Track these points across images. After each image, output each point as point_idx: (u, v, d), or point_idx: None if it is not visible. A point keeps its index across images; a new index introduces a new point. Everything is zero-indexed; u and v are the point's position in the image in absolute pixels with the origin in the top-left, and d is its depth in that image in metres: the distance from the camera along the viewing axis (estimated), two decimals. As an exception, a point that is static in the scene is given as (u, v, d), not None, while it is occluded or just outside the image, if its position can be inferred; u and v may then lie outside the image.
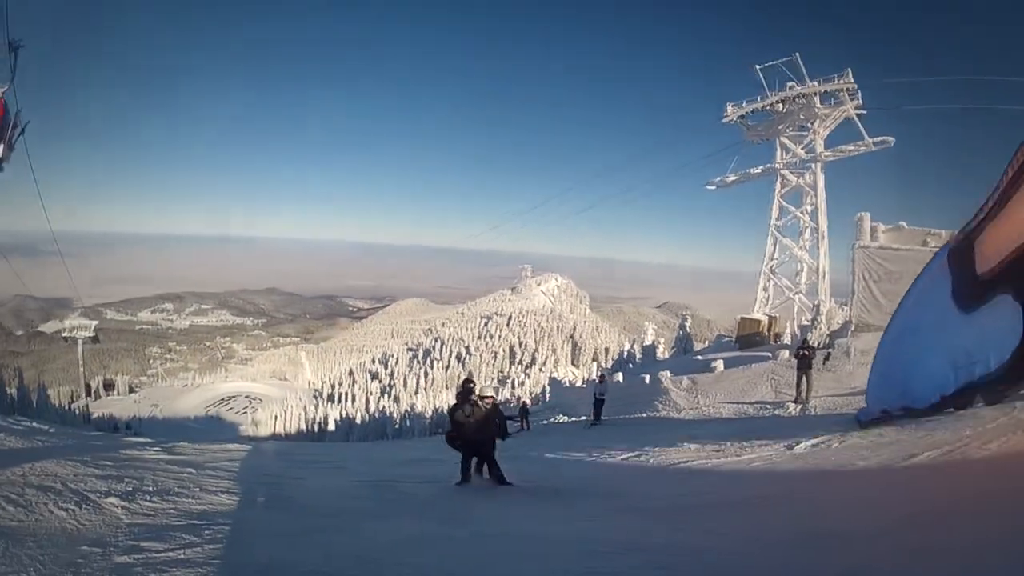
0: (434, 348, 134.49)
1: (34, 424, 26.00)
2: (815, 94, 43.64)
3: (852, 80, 42.79)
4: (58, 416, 63.01)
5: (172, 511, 9.33)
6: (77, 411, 70.11)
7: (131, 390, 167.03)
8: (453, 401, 12.65)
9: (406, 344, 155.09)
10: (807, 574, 6.21)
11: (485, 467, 12.68)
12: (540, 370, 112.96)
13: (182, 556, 7.25)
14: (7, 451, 13.53)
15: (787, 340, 39.91)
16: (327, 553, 7.97)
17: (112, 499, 9.44)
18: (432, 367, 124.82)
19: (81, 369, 51.48)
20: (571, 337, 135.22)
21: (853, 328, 26.89)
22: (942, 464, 10.39)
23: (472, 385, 12.63)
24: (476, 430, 12.26)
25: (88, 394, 64.90)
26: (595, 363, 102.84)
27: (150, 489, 10.51)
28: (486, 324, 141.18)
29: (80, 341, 50.07)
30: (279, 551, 7.94)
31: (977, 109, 47.16)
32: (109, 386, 65.46)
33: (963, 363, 11.82)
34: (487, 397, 12.65)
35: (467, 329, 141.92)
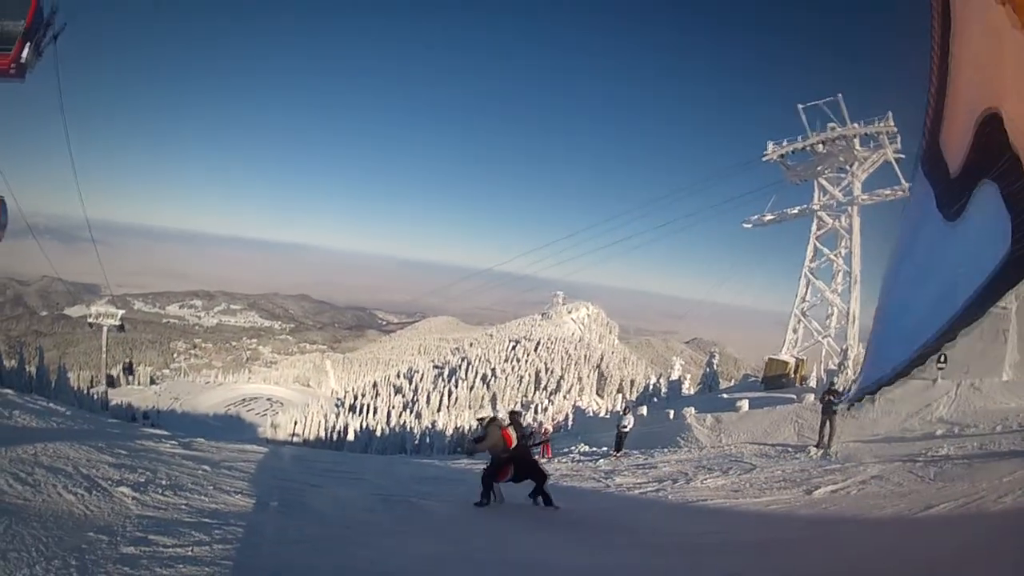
0: (460, 367, 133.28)
1: (51, 405, 26.03)
2: (855, 136, 43.36)
3: (893, 124, 42.53)
4: (76, 399, 62.11)
5: (184, 506, 9.45)
6: (96, 396, 69.84)
7: (152, 381, 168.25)
8: (482, 430, 12.76)
9: (433, 361, 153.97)
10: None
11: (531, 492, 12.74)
12: (564, 397, 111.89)
13: (190, 553, 7.38)
14: (21, 429, 13.58)
15: (813, 383, 39.63)
16: (340, 564, 8.05)
17: (124, 488, 9.59)
18: (457, 386, 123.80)
19: (104, 356, 51.36)
20: (598, 367, 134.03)
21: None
22: (957, 516, 10.29)
23: (518, 416, 13.66)
24: (526, 451, 12.58)
25: (110, 384, 64.45)
26: (620, 394, 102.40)
27: (163, 482, 10.63)
28: (514, 347, 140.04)
29: (105, 328, 49.82)
30: (290, 557, 8.07)
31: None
32: (129, 370, 64.54)
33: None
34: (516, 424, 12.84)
35: (495, 351, 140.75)
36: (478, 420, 12.84)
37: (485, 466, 13.00)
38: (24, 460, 10.11)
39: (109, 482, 9.93)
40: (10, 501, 8.17)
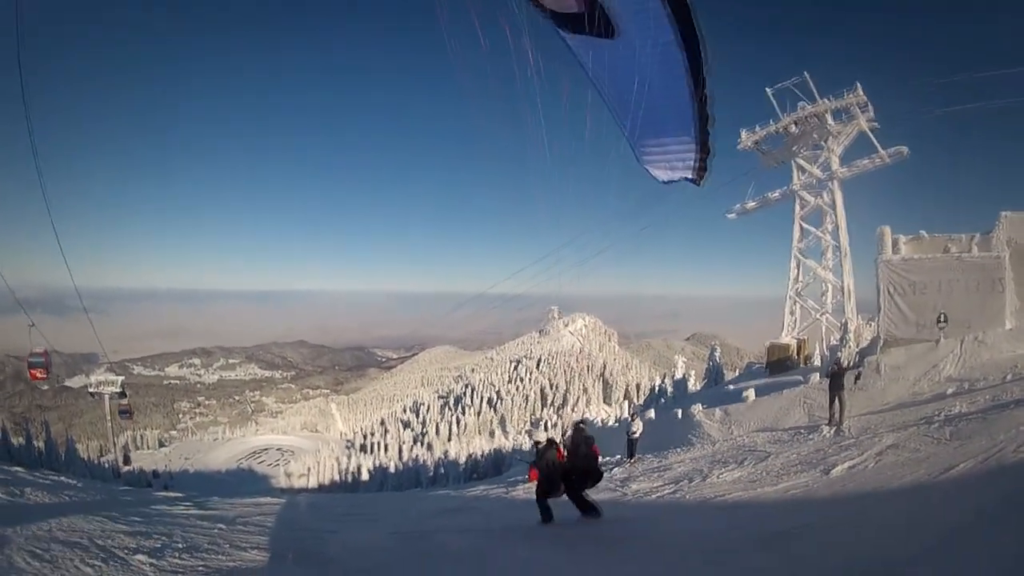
0: (465, 394, 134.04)
1: (62, 478, 25.95)
2: (827, 112, 43.56)
3: (862, 94, 42.70)
4: (87, 470, 62.26)
5: (201, 568, 9.36)
6: (106, 465, 69.99)
7: (161, 444, 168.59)
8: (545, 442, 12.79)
9: (437, 392, 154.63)
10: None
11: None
12: (572, 411, 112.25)
13: None
14: (34, 505, 13.55)
15: (817, 362, 39.62)
16: None
17: (140, 556, 9.52)
18: (464, 413, 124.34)
19: (109, 424, 51.17)
20: (601, 376, 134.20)
21: (882, 344, 26.64)
22: (978, 473, 10.20)
23: (582, 426, 13.32)
24: (584, 458, 12.54)
25: (126, 462, 64.13)
26: (627, 401, 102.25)
27: (179, 545, 10.53)
28: (516, 368, 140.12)
29: (107, 396, 49.60)
30: None
31: (989, 107, 46.54)
32: (128, 460, 63.77)
33: None
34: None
35: (497, 374, 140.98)
36: (535, 443, 12.70)
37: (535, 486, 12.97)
38: (39, 537, 9.98)
39: (125, 551, 9.87)
40: None
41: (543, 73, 9.00)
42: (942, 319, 24.66)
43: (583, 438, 12.71)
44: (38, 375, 40.19)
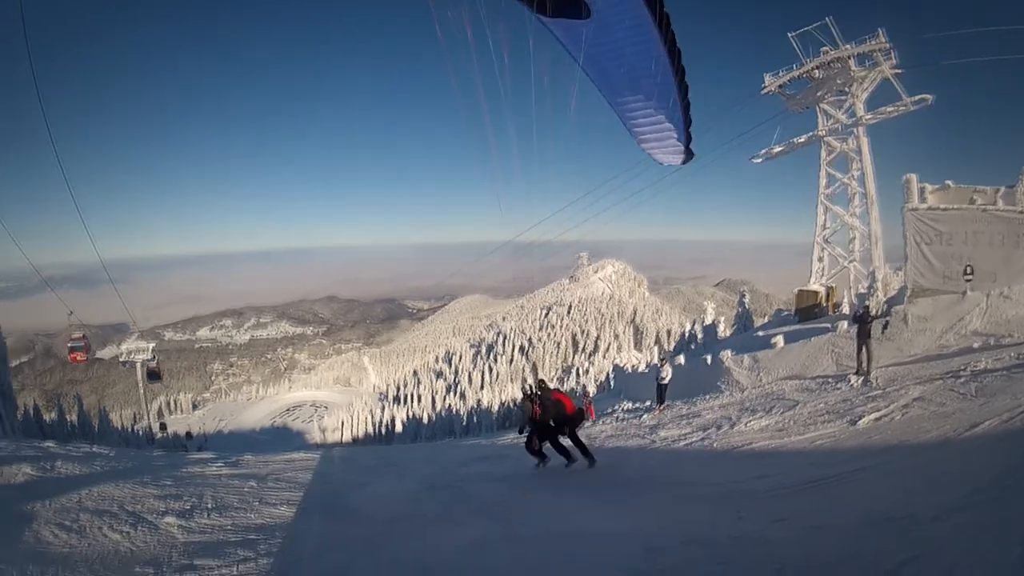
0: (497, 343, 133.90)
1: (94, 449, 26.01)
2: (850, 57, 42.77)
3: (885, 40, 42.04)
4: (121, 439, 63.48)
5: (230, 526, 9.59)
6: (140, 432, 70.50)
7: (194, 407, 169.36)
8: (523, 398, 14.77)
9: (469, 341, 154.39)
10: (868, 563, 6.14)
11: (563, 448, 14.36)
12: (604, 357, 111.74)
13: (235, 572, 7.68)
14: (64, 478, 13.39)
15: (845, 310, 39.48)
16: (386, 559, 8.31)
17: (169, 518, 9.76)
18: (496, 362, 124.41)
19: (142, 392, 51.35)
20: (632, 322, 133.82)
21: (909, 293, 26.43)
22: (1001, 433, 10.20)
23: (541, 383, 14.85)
24: (556, 412, 14.02)
25: (161, 429, 64.29)
26: (657, 346, 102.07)
27: (209, 505, 10.78)
28: (547, 315, 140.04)
29: (139, 364, 49.67)
30: (336, 562, 8.24)
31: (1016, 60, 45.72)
32: (163, 427, 63.83)
33: None
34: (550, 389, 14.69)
35: (528, 321, 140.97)
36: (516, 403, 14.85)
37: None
38: (68, 508, 10.17)
39: (154, 514, 10.04)
40: (56, 551, 8.27)
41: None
42: (968, 271, 24.46)
43: (547, 390, 14.43)
44: (79, 358, 42.12)
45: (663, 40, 8.35)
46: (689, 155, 10.32)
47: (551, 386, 15.11)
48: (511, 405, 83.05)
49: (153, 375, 50.54)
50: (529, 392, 14.47)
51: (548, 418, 14.07)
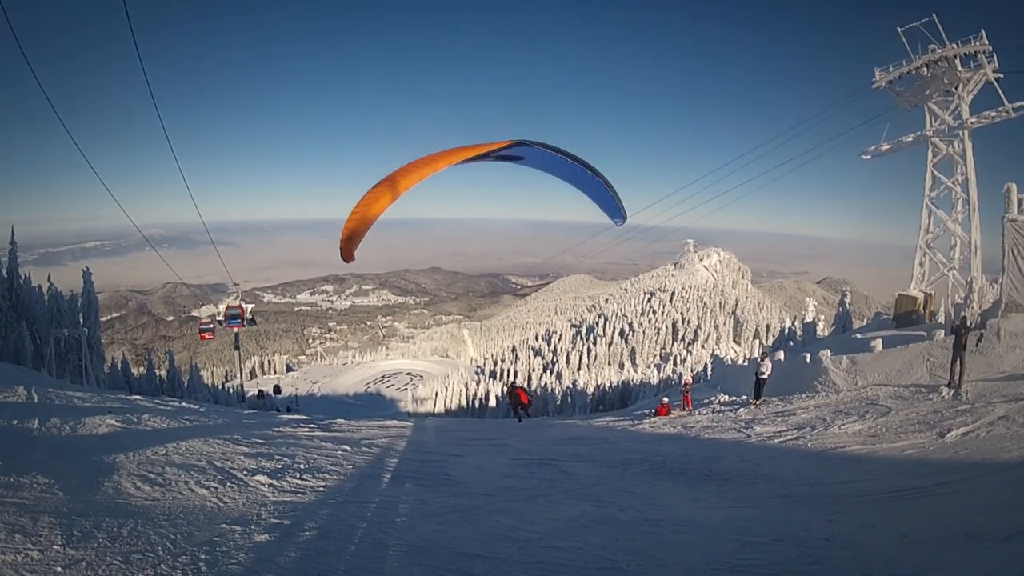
0: (598, 325, 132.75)
1: (184, 404, 26.45)
2: (955, 56, 41.74)
3: (987, 42, 41.00)
4: (211, 396, 64.36)
5: (322, 489, 10.08)
6: (231, 390, 71.69)
7: (289, 368, 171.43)
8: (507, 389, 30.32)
9: (570, 320, 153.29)
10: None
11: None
12: (702, 347, 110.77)
13: (327, 535, 7.87)
14: (151, 432, 13.65)
15: (941, 319, 38.85)
16: (481, 533, 8.46)
17: (260, 477, 10.24)
18: (595, 344, 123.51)
19: (237, 352, 51.92)
20: (733, 313, 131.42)
21: (1003, 308, 25.69)
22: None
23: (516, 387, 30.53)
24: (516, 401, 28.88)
25: (275, 391, 64.72)
26: (756, 340, 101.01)
27: (301, 467, 11.30)
28: (649, 300, 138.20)
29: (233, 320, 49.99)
30: (428, 530, 8.49)
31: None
32: (278, 390, 63.74)
33: None
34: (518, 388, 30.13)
35: (630, 305, 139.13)
36: (506, 393, 30.11)
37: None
38: (154, 461, 10.70)
39: (245, 472, 10.54)
40: (136, 503, 8.59)
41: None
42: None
43: (514, 390, 29.69)
44: (207, 336, 46.08)
45: (574, 160, 10.01)
46: (623, 218, 11.84)
47: (518, 385, 31.85)
48: (607, 388, 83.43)
49: (235, 318, 50.16)
50: (511, 389, 30.05)
51: (516, 402, 28.81)
